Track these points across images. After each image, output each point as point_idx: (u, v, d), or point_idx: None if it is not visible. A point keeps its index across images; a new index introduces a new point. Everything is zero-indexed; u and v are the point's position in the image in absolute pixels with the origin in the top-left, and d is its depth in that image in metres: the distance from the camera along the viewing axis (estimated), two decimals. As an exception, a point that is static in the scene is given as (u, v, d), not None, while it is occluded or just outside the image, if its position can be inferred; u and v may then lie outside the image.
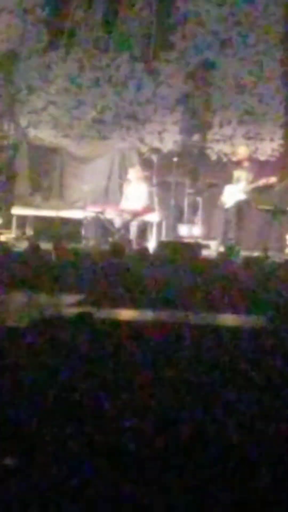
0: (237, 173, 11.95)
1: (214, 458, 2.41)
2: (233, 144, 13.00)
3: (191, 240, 11.85)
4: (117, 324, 4.76)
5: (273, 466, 2.37)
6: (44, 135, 13.43)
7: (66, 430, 2.59)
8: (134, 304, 5.79)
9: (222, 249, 11.37)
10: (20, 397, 2.97)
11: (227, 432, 2.65)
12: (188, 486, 2.21)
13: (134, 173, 12.21)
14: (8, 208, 12.92)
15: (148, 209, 11.93)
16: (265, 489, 2.22)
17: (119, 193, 12.70)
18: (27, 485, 2.15)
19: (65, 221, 12.35)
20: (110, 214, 11.90)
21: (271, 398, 3.13)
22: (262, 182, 11.69)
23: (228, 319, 5.34)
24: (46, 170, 13.41)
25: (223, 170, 12.62)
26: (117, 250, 9.69)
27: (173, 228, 12.42)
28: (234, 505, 2.12)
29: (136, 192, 11.95)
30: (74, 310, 4.98)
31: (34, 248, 9.43)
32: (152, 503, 2.09)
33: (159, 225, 12.24)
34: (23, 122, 13.45)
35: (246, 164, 12.06)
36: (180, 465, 2.36)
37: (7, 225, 12.77)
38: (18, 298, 6.04)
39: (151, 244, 11.56)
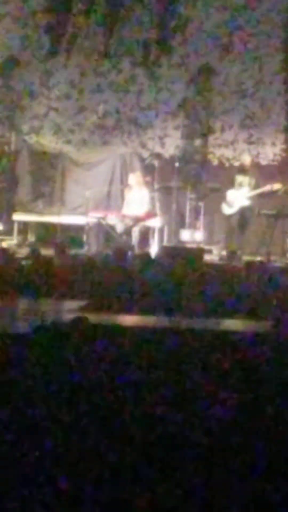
0: (239, 178, 11.91)
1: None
2: (235, 149, 12.97)
3: (193, 245, 11.82)
4: (113, 329, 4.73)
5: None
6: (46, 141, 13.38)
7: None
8: (136, 309, 5.76)
9: (224, 253, 11.34)
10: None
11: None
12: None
13: (135, 178, 12.17)
14: (10, 214, 12.89)
15: (150, 214, 11.89)
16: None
17: (120, 198, 12.66)
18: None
19: (67, 227, 12.32)
20: (112, 219, 11.87)
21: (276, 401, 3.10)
22: (266, 188, 11.63)
23: (231, 324, 5.31)
24: (47, 176, 13.38)
25: (225, 175, 12.59)
26: (119, 255, 9.64)
27: (175, 233, 12.39)
28: None
29: (138, 198, 11.91)
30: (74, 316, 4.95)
31: (34, 254, 9.39)
32: None
33: (161, 230, 12.20)
34: (24, 128, 13.42)
35: (248, 169, 12.03)
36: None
37: (8, 232, 12.74)
38: (20, 304, 6.01)
39: (153, 249, 11.52)
